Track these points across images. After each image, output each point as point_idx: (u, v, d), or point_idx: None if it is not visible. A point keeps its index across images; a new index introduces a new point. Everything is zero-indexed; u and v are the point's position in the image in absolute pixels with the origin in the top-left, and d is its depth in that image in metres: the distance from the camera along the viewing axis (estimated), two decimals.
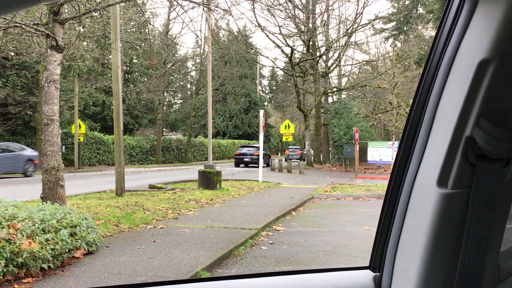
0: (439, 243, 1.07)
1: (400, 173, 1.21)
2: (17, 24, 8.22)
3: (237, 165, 33.68)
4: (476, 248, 1.03)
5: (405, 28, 46.54)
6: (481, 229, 1.03)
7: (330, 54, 37.32)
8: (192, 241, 6.77)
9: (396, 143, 21.31)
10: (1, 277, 4.46)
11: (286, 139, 28.21)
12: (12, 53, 24.15)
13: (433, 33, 39.09)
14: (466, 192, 1.03)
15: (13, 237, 4.78)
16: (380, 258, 1.30)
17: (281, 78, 66.35)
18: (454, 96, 1.02)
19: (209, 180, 14.42)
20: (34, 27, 8.32)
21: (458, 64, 1.02)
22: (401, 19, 47.48)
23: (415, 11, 46.75)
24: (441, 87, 1.07)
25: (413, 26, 44.05)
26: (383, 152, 26.94)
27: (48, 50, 7.81)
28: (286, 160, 33.25)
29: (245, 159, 33.20)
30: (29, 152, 22.44)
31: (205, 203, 11.26)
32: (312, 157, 35.25)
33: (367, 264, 1.37)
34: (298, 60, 34.18)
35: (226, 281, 1.32)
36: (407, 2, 47.85)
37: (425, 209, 1.09)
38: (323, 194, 14.19)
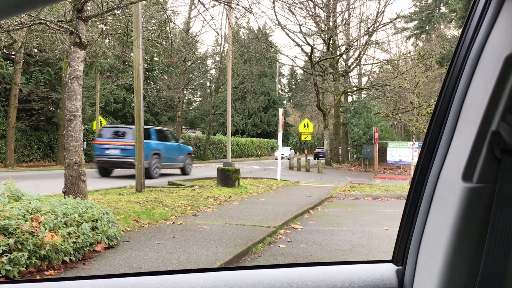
0: (463, 237, 1.07)
1: (425, 167, 1.21)
2: (42, 21, 8.36)
3: None
4: (500, 242, 1.03)
5: (427, 27, 45.98)
6: (505, 223, 1.03)
7: (351, 53, 37.11)
8: (211, 238, 6.81)
9: (417, 143, 21.08)
10: (24, 269, 4.55)
11: (305, 138, 28.16)
12: (36, 50, 24.60)
13: (455, 33, 38.55)
14: (491, 187, 1.03)
15: (36, 230, 4.87)
16: (403, 252, 1.30)
17: (300, 77, 66.20)
18: (480, 91, 1.02)
19: (227, 177, 14.47)
20: (58, 24, 8.45)
21: (485, 59, 1.02)
22: (423, 18, 46.92)
23: (437, 10, 46.16)
24: (467, 82, 1.07)
25: (435, 25, 43.50)
26: (403, 153, 26.69)
27: (72, 47, 7.93)
28: (316, 159, 40.87)
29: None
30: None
31: (224, 200, 11.31)
32: (331, 157, 35.11)
33: None
34: (318, 58, 34.03)
35: (248, 271, 1.34)
36: (429, 1, 47.24)
37: (449, 203, 1.09)
38: (341, 194, 14.13)
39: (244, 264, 5.89)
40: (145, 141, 14.58)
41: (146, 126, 17.26)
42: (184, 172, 20.46)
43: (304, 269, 1.35)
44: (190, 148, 21.29)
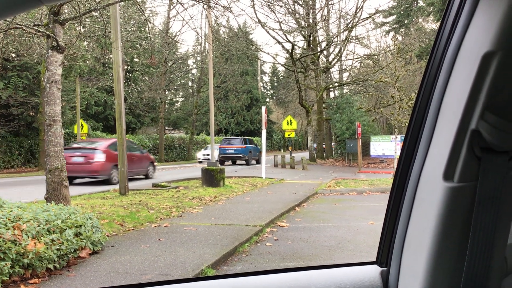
0: (446, 237, 1.07)
1: (406, 167, 1.20)
2: (18, 26, 8.22)
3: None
4: (483, 241, 1.03)
5: (405, 22, 46.36)
6: (487, 222, 1.03)
7: (331, 49, 37.29)
8: (197, 239, 6.78)
9: (399, 137, 21.29)
10: (8, 278, 4.47)
11: (289, 135, 28.24)
12: (13, 55, 24.16)
13: (434, 26, 38.97)
14: (472, 186, 1.03)
15: (18, 238, 4.79)
16: (387, 253, 1.30)
17: (282, 74, 66.29)
18: (459, 89, 1.01)
19: (212, 177, 14.43)
20: (34, 28, 8.32)
21: (462, 57, 1.02)
22: (402, 12, 47.29)
23: (415, 4, 46.55)
24: (446, 81, 1.06)
25: (413, 19, 43.87)
26: (386, 146, 26.89)
27: (49, 50, 7.81)
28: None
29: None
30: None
31: (209, 200, 11.28)
32: (315, 153, 35.25)
33: (373, 259, 1.37)
34: (299, 55, 34.12)
35: (232, 279, 1.32)
36: None
37: (431, 203, 1.09)
38: (326, 190, 14.20)
39: (231, 264, 5.88)
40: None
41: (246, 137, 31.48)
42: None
43: (288, 274, 1.34)
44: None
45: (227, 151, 31.60)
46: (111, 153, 16.54)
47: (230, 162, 33.32)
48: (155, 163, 21.52)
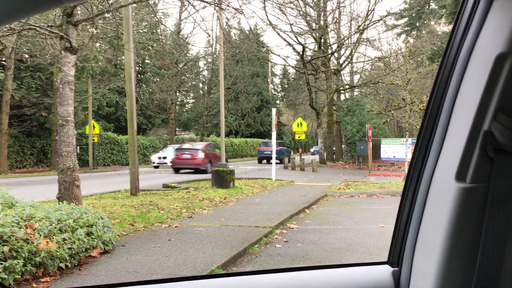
0: (458, 237, 1.07)
1: (418, 168, 1.21)
2: (32, 27, 8.32)
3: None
4: (495, 242, 1.03)
5: (417, 24, 46.14)
6: (500, 223, 1.03)
7: (342, 51, 37.14)
8: (207, 240, 6.80)
9: (410, 140, 21.16)
10: (20, 277, 4.52)
11: (299, 137, 28.20)
12: (26, 55, 24.44)
13: (446, 29, 38.72)
14: (485, 186, 1.03)
15: (30, 237, 4.85)
16: (398, 253, 1.30)
17: (292, 76, 66.24)
18: (472, 90, 1.02)
19: (222, 179, 14.46)
20: (48, 29, 8.41)
21: (475, 59, 1.02)
22: (413, 14, 47.08)
23: (427, 7, 46.32)
24: (458, 82, 1.07)
25: (425, 22, 43.65)
26: (396, 149, 26.75)
27: (62, 51, 7.89)
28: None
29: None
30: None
31: (219, 202, 11.30)
32: (325, 155, 35.16)
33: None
34: (309, 57, 34.06)
35: (243, 277, 1.33)
36: None
37: (443, 203, 1.09)
38: (336, 192, 14.15)
39: (241, 265, 5.89)
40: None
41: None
42: None
43: (300, 273, 1.35)
44: None
45: (265, 152, 36.45)
46: (207, 153, 23.92)
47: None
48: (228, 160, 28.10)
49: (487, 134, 1.00)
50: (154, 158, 30.95)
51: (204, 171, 23.13)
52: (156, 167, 30.44)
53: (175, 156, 24.50)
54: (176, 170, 24.95)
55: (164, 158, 29.52)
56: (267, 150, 35.50)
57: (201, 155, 23.25)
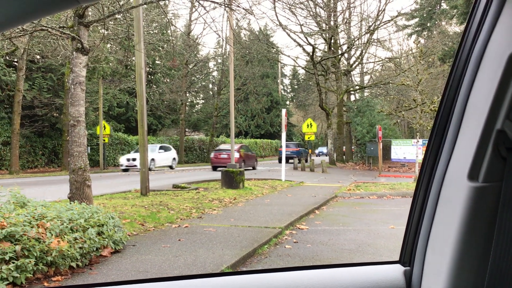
0: (470, 237, 1.06)
1: (430, 167, 1.20)
2: (44, 28, 8.39)
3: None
4: (507, 241, 1.02)
5: (428, 24, 45.84)
6: None
7: (352, 52, 37.04)
8: (217, 240, 6.81)
9: (421, 141, 21.02)
10: (31, 275, 4.56)
11: (309, 138, 28.14)
12: (38, 56, 24.69)
13: (457, 29, 38.45)
14: (497, 186, 1.02)
15: (42, 236, 4.89)
16: (410, 253, 1.30)
17: (302, 77, 66.15)
18: (485, 90, 1.01)
19: (232, 179, 14.47)
20: (60, 30, 8.48)
21: (488, 58, 1.02)
22: (424, 15, 46.77)
23: (438, 7, 45.99)
24: (471, 82, 1.06)
25: (436, 22, 43.40)
26: (407, 150, 26.58)
27: (74, 52, 7.95)
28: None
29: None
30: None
31: (229, 202, 11.31)
32: (335, 156, 35.07)
33: None
34: (319, 58, 34.00)
35: (254, 275, 1.33)
36: None
37: (456, 203, 1.08)
38: (346, 193, 14.10)
39: (251, 266, 5.89)
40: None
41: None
42: None
43: (311, 272, 1.35)
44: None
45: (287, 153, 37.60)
46: (241, 153, 27.72)
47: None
48: (257, 160, 32.17)
49: (500, 133, 1.00)
50: (123, 160, 27.85)
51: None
52: (125, 170, 27.29)
53: (214, 156, 28.46)
54: (214, 168, 27.91)
55: (134, 160, 26.59)
56: (288, 151, 35.79)
57: (236, 155, 24.89)
